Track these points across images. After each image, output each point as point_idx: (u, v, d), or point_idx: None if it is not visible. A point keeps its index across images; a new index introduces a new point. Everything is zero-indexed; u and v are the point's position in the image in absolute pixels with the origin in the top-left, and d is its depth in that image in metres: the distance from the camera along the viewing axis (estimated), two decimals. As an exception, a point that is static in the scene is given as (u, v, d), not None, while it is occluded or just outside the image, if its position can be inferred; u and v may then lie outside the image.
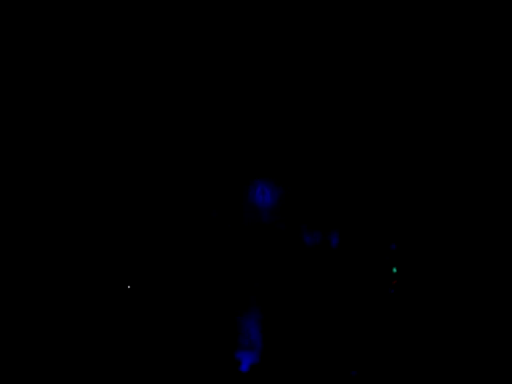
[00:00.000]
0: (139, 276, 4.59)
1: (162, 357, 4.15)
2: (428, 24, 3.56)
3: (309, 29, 3.75)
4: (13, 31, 3.65)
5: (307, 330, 4.46)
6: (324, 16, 3.65)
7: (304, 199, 4.89)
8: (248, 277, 4.78)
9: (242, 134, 4.63)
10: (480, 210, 4.33)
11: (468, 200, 4.41)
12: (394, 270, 4.36)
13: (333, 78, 4.33)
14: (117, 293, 4.40)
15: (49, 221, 4.29)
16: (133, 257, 4.64)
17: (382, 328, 4.38)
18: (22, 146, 4.17)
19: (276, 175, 4.87)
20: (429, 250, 4.55)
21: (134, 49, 4.00)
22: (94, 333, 4.09)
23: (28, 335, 3.86)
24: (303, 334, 4.44)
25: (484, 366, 3.75)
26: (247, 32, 3.82)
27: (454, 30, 3.58)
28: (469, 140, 4.23)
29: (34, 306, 4.07)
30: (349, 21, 3.65)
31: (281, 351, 4.40)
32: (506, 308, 3.93)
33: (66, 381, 3.63)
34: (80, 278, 4.34)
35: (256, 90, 4.38)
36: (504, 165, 4.13)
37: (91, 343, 4.01)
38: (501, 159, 4.12)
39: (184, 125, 4.53)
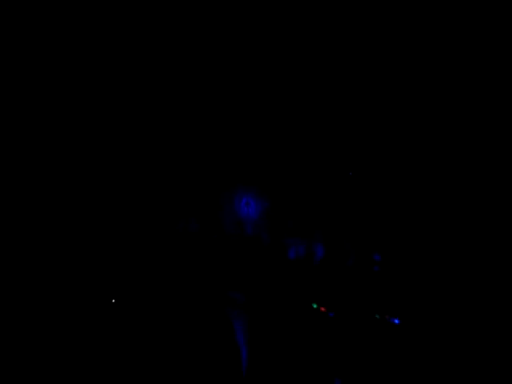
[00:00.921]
0: (128, 285, 4.52)
1: (158, 361, 4.06)
2: (428, 24, 3.61)
3: (309, 29, 3.79)
4: (13, 31, 3.64)
5: (294, 344, 4.40)
6: (324, 16, 3.69)
7: (289, 212, 4.87)
8: (232, 289, 4.72)
9: (228, 143, 4.63)
10: (478, 220, 4.34)
11: (465, 209, 4.43)
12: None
13: (325, 89, 4.36)
14: (108, 299, 4.33)
15: (42, 221, 4.24)
16: (116, 268, 4.56)
17: (373, 336, 4.34)
18: (21, 146, 4.13)
19: (261, 187, 4.86)
20: (421, 258, 4.55)
21: (133, 49, 3.99)
22: (91, 333, 4.02)
23: (28, 335, 3.79)
24: (290, 348, 4.38)
25: (484, 367, 3.72)
26: (247, 32, 3.84)
27: (454, 30, 3.63)
28: (468, 143, 4.27)
29: (31, 307, 4.00)
30: (349, 21, 3.69)
31: (268, 368, 4.33)
32: (506, 312, 3.92)
33: (65, 381, 3.55)
34: (73, 279, 4.28)
35: (244, 100, 4.40)
36: (504, 166, 4.16)
37: (89, 343, 3.93)
38: (501, 160, 4.15)
39: (168, 132, 4.52)
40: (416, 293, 4.46)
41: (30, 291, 4.03)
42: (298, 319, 4.55)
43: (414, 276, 4.57)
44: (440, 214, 4.52)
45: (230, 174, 4.82)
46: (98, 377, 3.72)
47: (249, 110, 4.56)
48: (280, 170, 4.82)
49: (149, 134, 4.54)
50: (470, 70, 3.87)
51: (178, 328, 4.35)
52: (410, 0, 3.47)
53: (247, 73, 4.32)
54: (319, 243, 4.82)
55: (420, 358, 4.08)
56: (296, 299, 4.63)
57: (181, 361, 3.95)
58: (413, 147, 4.59)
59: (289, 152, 4.75)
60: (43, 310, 3.99)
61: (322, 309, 4.39)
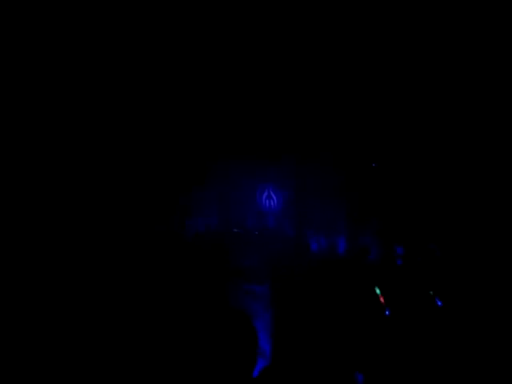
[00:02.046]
0: (139, 278, 4.54)
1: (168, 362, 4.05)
2: (428, 24, 3.65)
3: (309, 29, 3.83)
4: (13, 31, 3.70)
5: (314, 334, 4.37)
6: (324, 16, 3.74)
7: (311, 204, 4.89)
8: (254, 283, 4.72)
9: (249, 139, 4.66)
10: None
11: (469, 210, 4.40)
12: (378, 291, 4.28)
13: (338, 83, 4.39)
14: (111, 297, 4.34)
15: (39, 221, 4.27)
16: (133, 259, 4.59)
17: (386, 333, 4.29)
18: (21, 146, 4.17)
19: (283, 180, 4.89)
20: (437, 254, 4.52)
21: (134, 49, 4.05)
22: (89, 333, 4.02)
23: (27, 335, 3.80)
24: (310, 338, 4.35)
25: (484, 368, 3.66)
26: (247, 32, 3.89)
27: (454, 30, 3.67)
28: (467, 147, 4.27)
29: (32, 307, 4.01)
30: (349, 21, 3.73)
31: (289, 356, 4.31)
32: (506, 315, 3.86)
33: (65, 381, 3.55)
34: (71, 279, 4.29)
35: (260, 96, 4.44)
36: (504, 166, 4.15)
37: (86, 343, 3.93)
38: (501, 160, 4.14)
39: (188, 128, 4.56)
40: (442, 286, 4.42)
41: (30, 291, 4.03)
42: (320, 312, 4.52)
43: (440, 269, 4.53)
44: (461, 205, 4.50)
45: (252, 168, 4.86)
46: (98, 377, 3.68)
47: (272, 107, 4.60)
48: (302, 163, 4.85)
49: (168, 129, 4.58)
50: (470, 69, 3.90)
51: (196, 320, 4.35)
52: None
53: (264, 70, 4.36)
54: (341, 235, 4.82)
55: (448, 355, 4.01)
56: (318, 292, 4.61)
57: (197, 355, 3.91)
58: (435, 144, 4.59)
59: (310, 145, 4.77)
60: (43, 310, 3.98)
61: (382, 299, 4.32)
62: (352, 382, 3.97)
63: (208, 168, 4.79)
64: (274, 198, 4.89)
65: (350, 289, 4.57)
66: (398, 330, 4.00)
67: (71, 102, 4.27)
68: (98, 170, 4.55)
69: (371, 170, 4.77)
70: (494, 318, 3.74)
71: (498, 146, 4.23)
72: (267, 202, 4.91)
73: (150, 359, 3.96)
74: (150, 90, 4.34)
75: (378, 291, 4.09)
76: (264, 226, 4.95)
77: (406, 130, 4.62)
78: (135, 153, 4.62)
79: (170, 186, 4.72)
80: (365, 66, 4.23)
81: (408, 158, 4.72)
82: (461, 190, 4.52)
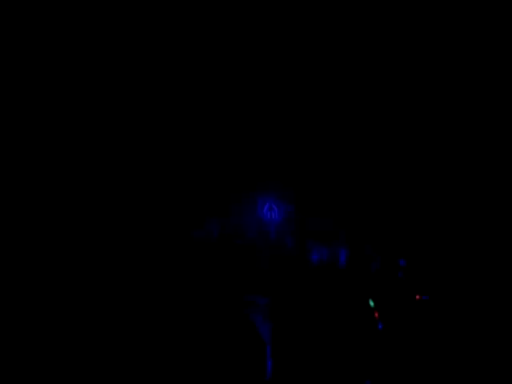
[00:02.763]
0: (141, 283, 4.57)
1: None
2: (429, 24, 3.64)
3: (309, 29, 3.84)
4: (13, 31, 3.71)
5: (314, 346, 4.36)
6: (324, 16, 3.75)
7: (312, 216, 4.89)
8: (255, 293, 4.72)
9: (250, 150, 4.70)
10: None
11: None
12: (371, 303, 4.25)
13: (339, 93, 4.41)
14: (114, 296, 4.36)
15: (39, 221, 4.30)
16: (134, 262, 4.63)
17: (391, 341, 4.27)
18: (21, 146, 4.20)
19: (284, 192, 4.90)
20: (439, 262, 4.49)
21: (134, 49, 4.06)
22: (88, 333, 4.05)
23: (27, 335, 3.83)
24: (310, 348, 4.35)
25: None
26: (247, 32, 3.90)
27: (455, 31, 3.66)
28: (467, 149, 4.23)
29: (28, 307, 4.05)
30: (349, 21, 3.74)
31: (289, 367, 4.30)
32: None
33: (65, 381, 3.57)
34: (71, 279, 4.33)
35: (260, 103, 4.46)
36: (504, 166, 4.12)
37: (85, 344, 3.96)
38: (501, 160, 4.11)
39: (188, 137, 4.60)
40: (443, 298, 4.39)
41: (30, 291, 4.06)
42: (322, 322, 4.51)
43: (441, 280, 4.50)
44: (464, 215, 4.48)
45: (253, 179, 4.89)
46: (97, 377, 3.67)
47: (272, 116, 4.63)
48: (302, 174, 4.86)
49: (171, 138, 4.62)
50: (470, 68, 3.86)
51: (199, 330, 4.36)
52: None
53: (269, 78, 4.39)
54: (343, 247, 4.81)
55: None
56: (318, 303, 4.60)
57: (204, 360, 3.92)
58: (436, 151, 4.57)
59: (312, 157, 4.79)
60: (43, 309, 4.00)
61: (376, 314, 4.30)
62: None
63: (209, 179, 4.83)
64: (276, 209, 4.91)
65: (349, 300, 4.56)
66: (392, 343, 3.97)
67: (75, 104, 4.29)
68: (96, 169, 4.61)
69: (372, 181, 4.76)
70: (493, 332, 3.70)
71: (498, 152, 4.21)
72: (269, 213, 4.93)
73: (155, 365, 3.98)
74: (152, 97, 4.37)
75: (371, 304, 4.06)
76: (265, 238, 4.97)
77: (407, 138, 4.61)
78: (132, 161, 4.67)
79: (168, 196, 4.76)
80: (365, 70, 4.24)
81: (411, 166, 4.71)
82: (464, 198, 4.49)
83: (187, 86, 4.35)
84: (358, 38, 3.83)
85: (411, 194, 4.71)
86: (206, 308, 4.55)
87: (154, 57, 4.12)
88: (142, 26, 3.85)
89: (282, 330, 4.49)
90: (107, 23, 3.78)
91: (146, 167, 4.69)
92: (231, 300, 4.63)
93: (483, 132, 4.22)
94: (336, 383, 4.21)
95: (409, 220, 4.73)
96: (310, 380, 4.16)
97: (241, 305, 4.59)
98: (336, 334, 4.44)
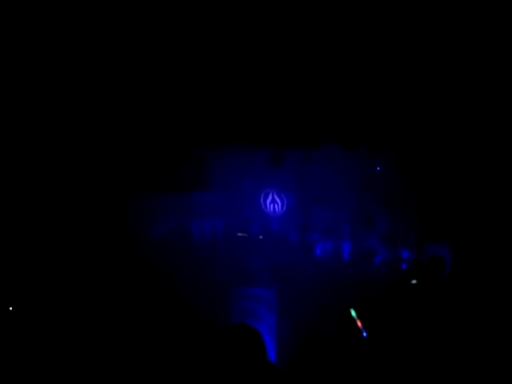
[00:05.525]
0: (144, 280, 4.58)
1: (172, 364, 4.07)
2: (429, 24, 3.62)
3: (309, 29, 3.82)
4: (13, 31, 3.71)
5: (318, 338, 4.35)
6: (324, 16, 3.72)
7: (315, 208, 4.88)
8: (259, 286, 4.73)
9: (253, 142, 4.67)
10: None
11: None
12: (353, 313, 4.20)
13: (345, 90, 4.37)
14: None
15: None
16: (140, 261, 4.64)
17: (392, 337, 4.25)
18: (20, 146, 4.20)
19: (287, 185, 4.89)
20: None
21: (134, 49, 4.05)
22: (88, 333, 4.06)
23: (27, 335, 3.84)
24: (314, 341, 4.34)
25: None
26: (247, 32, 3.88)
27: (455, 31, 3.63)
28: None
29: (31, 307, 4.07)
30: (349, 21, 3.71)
31: (293, 359, 4.30)
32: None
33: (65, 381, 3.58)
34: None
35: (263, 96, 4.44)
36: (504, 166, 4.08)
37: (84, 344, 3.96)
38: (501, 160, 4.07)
39: (191, 131, 4.57)
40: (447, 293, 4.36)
41: (30, 291, 4.08)
42: (325, 317, 4.50)
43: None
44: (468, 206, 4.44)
45: (256, 172, 4.87)
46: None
47: (275, 110, 4.59)
48: (305, 167, 4.84)
49: (169, 130, 4.58)
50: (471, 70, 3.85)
51: (198, 323, 4.36)
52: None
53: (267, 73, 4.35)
54: (346, 240, 4.80)
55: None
56: (323, 296, 4.59)
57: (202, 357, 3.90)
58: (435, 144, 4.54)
59: (314, 148, 4.76)
60: (43, 309, 4.02)
61: (359, 323, 4.25)
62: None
63: (210, 172, 4.83)
64: (279, 202, 4.91)
65: (353, 293, 4.54)
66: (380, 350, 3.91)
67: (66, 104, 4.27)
68: (95, 167, 4.60)
69: (376, 173, 4.74)
70: (493, 334, 3.66)
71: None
72: (271, 206, 4.93)
73: (152, 364, 3.98)
74: (149, 89, 4.33)
75: (353, 314, 4.02)
76: (268, 231, 4.97)
77: (411, 132, 4.58)
78: (136, 153, 4.67)
79: (171, 188, 4.76)
80: (370, 67, 4.21)
81: (414, 160, 4.67)
82: (469, 189, 4.45)
83: (182, 80, 4.33)
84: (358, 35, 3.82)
85: (414, 185, 4.67)
86: (207, 301, 4.56)
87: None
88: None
89: (286, 322, 4.49)
90: (103, 21, 3.78)
91: (143, 158, 4.68)
92: (234, 292, 4.65)
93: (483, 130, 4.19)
94: (340, 371, 4.19)
95: (413, 211, 4.70)
96: (314, 369, 4.15)
97: (244, 297, 4.61)
98: (339, 326, 4.43)
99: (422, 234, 4.69)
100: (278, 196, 4.90)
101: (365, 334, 4.06)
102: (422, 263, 4.60)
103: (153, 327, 4.30)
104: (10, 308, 4.12)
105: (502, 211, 4.20)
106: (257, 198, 4.95)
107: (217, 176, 4.87)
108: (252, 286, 4.76)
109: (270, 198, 4.92)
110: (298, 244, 4.91)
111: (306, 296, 4.57)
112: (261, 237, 4.96)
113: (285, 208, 4.90)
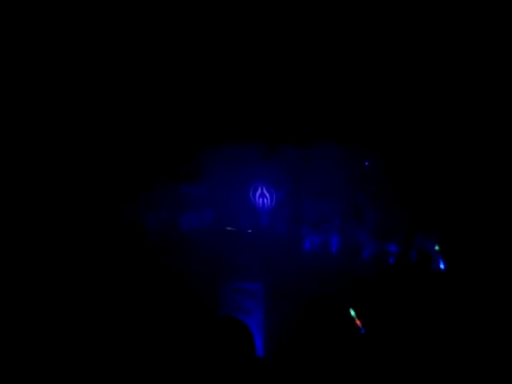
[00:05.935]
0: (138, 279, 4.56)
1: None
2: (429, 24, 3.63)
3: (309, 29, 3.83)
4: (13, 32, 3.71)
5: (307, 332, 4.35)
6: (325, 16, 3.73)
7: (304, 202, 4.88)
8: (247, 281, 4.72)
9: (242, 135, 4.66)
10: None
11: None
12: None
13: (335, 82, 4.37)
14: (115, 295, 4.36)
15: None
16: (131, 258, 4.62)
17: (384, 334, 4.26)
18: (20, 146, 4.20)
19: (276, 178, 4.88)
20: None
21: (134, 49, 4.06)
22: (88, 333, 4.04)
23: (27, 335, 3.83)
24: (303, 335, 4.34)
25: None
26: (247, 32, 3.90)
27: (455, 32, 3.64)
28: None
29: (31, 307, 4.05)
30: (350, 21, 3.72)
31: (281, 354, 4.30)
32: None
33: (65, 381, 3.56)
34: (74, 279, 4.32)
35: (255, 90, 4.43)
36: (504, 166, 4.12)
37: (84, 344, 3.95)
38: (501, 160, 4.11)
39: (179, 121, 4.56)
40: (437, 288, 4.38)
41: (30, 291, 4.06)
42: (315, 311, 4.50)
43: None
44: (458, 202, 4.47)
45: (245, 166, 4.86)
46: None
47: (266, 103, 4.58)
48: (295, 161, 4.83)
49: (158, 121, 4.57)
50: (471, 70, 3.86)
51: (189, 320, 4.35)
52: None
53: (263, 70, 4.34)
54: (335, 234, 4.80)
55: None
56: (312, 291, 4.59)
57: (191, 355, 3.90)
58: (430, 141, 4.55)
59: (305, 143, 4.75)
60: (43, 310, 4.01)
61: (358, 322, 4.23)
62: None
63: (200, 165, 4.80)
64: (268, 196, 4.89)
65: (342, 288, 4.55)
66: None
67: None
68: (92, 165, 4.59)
69: (365, 168, 4.75)
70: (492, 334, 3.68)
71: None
72: (260, 200, 4.91)
73: (144, 360, 3.97)
74: (142, 85, 4.34)
75: (352, 313, 4.01)
76: (257, 225, 4.96)
77: (403, 127, 4.59)
78: (126, 147, 4.65)
79: (159, 180, 4.75)
80: (362, 64, 4.21)
81: (404, 155, 4.69)
82: (458, 183, 4.47)
83: (178, 77, 4.32)
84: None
85: (404, 180, 4.69)
86: (198, 295, 4.54)
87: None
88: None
89: (274, 316, 4.49)
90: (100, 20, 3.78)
91: (133, 151, 4.66)
92: (222, 286, 4.64)
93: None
94: (331, 367, 4.19)
95: (402, 205, 4.71)
96: (304, 365, 4.15)
97: (232, 291, 4.59)
98: (329, 320, 4.43)
99: (410, 228, 4.71)
100: (267, 190, 4.88)
101: (363, 331, 4.06)
102: (410, 257, 4.62)
103: (139, 321, 4.28)
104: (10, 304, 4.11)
105: (491, 206, 4.24)
106: (246, 192, 4.93)
107: (207, 170, 4.85)
108: (240, 279, 4.75)
109: (259, 191, 4.90)
110: (287, 238, 4.90)
111: (295, 289, 4.58)
112: (250, 231, 4.94)
113: (274, 202, 4.89)
